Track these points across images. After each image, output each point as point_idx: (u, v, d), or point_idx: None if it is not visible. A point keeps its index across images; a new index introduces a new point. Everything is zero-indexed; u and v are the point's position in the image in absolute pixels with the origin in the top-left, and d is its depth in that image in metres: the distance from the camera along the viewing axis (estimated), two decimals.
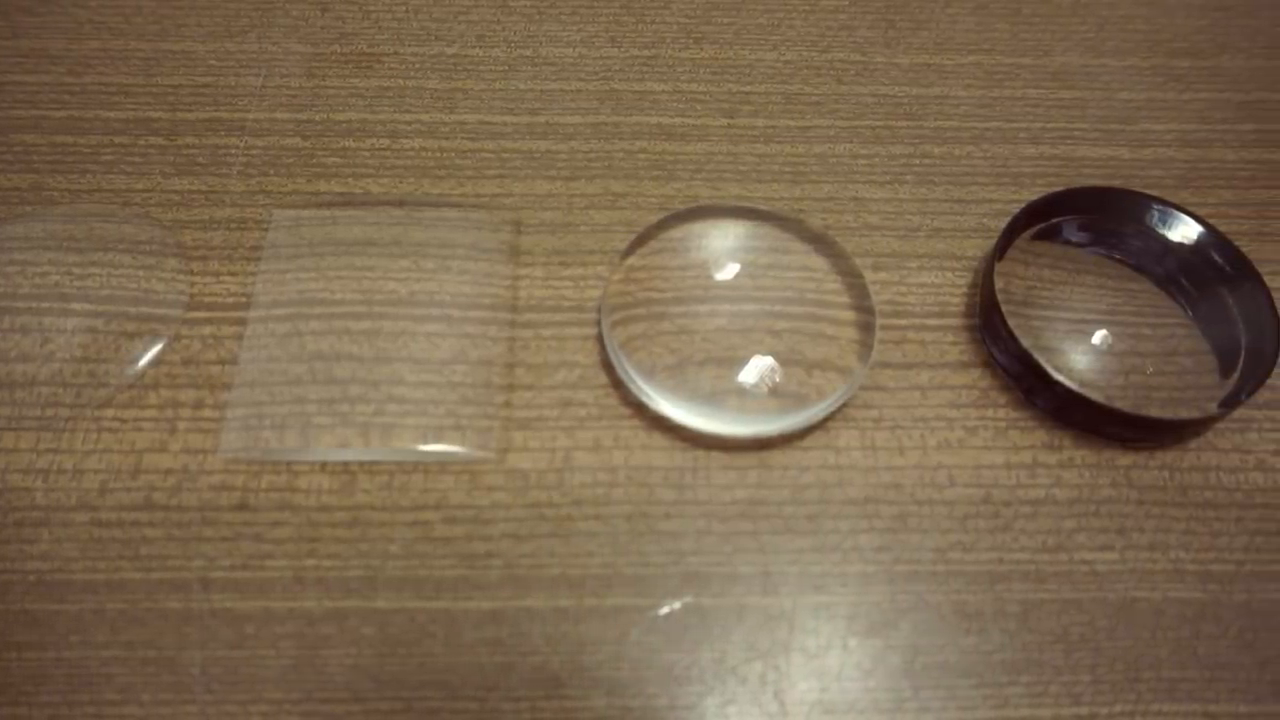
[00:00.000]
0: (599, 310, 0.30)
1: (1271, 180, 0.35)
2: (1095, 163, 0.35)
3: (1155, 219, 0.32)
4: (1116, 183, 0.34)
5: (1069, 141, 0.36)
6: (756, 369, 0.30)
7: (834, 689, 0.25)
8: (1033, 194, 0.32)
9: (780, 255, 0.32)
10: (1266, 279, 0.32)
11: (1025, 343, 0.29)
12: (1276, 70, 0.38)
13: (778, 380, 0.29)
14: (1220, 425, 0.30)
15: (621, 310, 0.30)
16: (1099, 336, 0.31)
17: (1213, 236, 0.31)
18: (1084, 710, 0.25)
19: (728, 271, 0.31)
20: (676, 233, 0.32)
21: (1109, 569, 0.27)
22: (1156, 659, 0.26)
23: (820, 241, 0.32)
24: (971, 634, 0.26)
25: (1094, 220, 0.33)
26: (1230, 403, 0.28)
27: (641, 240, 0.31)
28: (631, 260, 0.31)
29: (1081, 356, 0.30)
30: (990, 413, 0.30)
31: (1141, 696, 0.26)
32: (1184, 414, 0.29)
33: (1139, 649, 0.26)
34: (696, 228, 0.32)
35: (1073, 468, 0.29)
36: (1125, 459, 0.29)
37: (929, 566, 0.27)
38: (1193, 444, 0.29)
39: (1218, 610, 0.27)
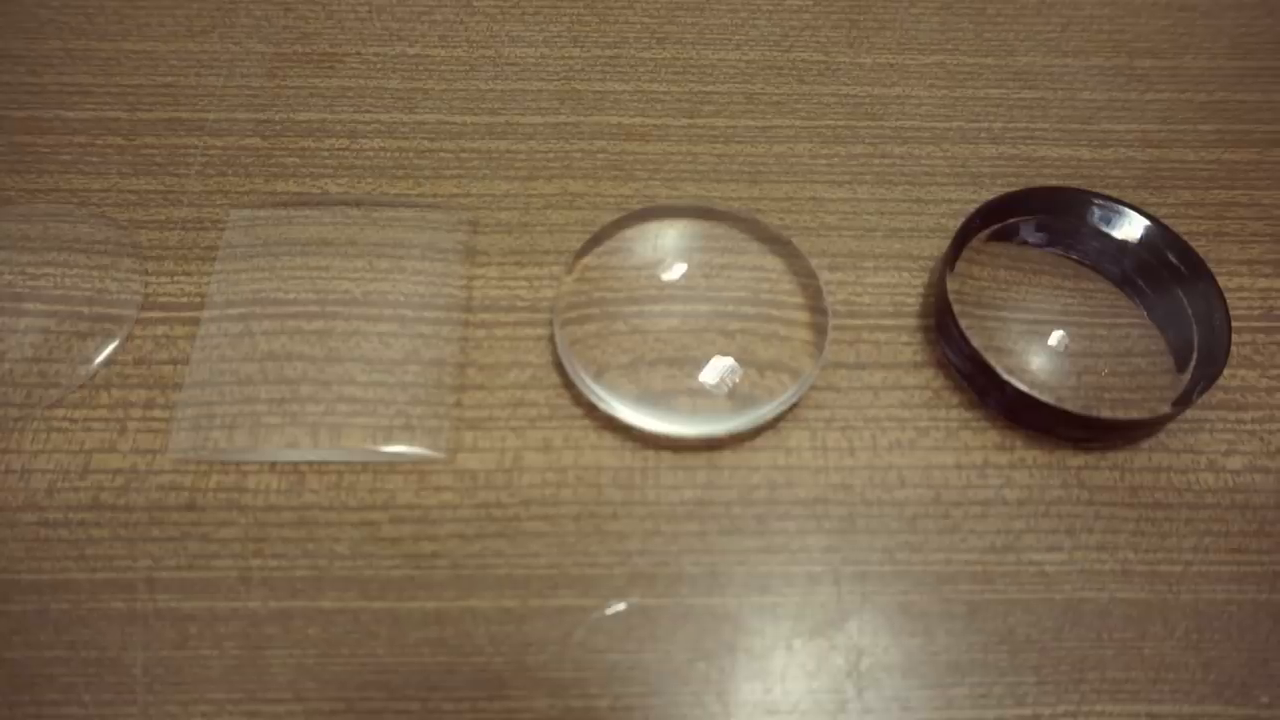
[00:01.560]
0: (552, 310, 0.30)
1: (1231, 181, 0.35)
2: (1056, 163, 0.35)
3: (1110, 219, 0.32)
4: (1076, 183, 0.34)
5: (1030, 141, 0.35)
6: (716, 369, 0.29)
7: (777, 690, 0.25)
8: (991, 194, 0.32)
9: (735, 255, 0.32)
10: (1223, 279, 0.32)
11: (977, 343, 0.29)
12: (1238, 70, 0.37)
13: (737, 381, 0.29)
14: (1173, 426, 0.30)
15: (573, 310, 0.30)
16: (1055, 337, 0.31)
17: (1167, 236, 0.31)
18: (1027, 711, 0.25)
19: (682, 271, 0.31)
20: (632, 233, 0.32)
21: (1057, 570, 0.27)
22: (1102, 659, 0.26)
23: (776, 241, 0.32)
24: (917, 635, 0.26)
25: (1051, 220, 0.32)
26: (1180, 403, 0.28)
27: (596, 240, 0.31)
28: (586, 260, 0.31)
29: (1036, 357, 0.30)
30: (943, 413, 0.30)
31: (1085, 697, 0.26)
32: (1134, 414, 0.29)
33: (1084, 650, 0.26)
34: (652, 228, 0.32)
35: (1023, 468, 0.29)
36: (1076, 459, 0.29)
37: (876, 567, 0.27)
38: (1145, 444, 0.29)
39: (1164, 611, 0.27)
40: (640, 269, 0.31)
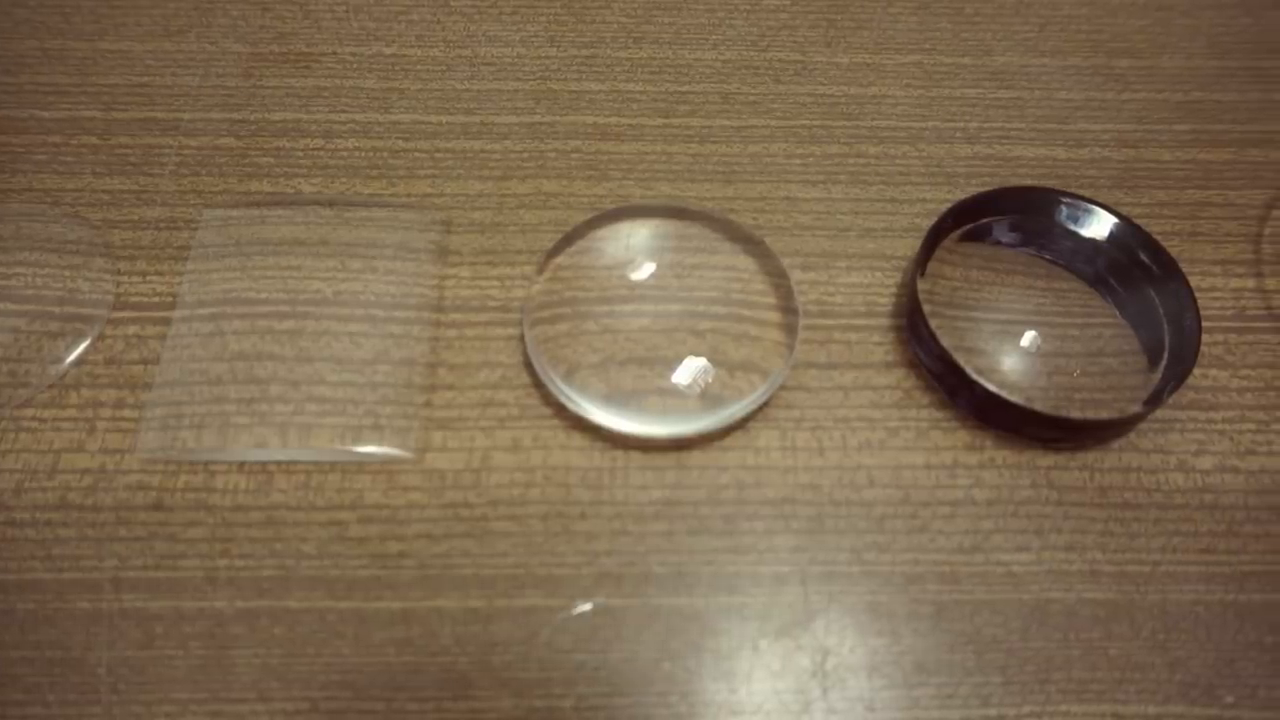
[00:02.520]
0: (522, 310, 0.30)
1: (1206, 180, 0.35)
2: (1031, 162, 0.35)
3: (1082, 219, 0.32)
4: (1051, 182, 0.34)
5: (1006, 141, 0.35)
6: (689, 370, 0.29)
7: (742, 690, 0.25)
8: (966, 194, 0.32)
9: (708, 255, 0.32)
10: (1196, 279, 0.32)
11: (946, 343, 0.29)
12: (1215, 70, 0.37)
13: (710, 381, 0.29)
14: (1143, 426, 0.30)
15: (544, 310, 0.30)
16: (1027, 337, 0.31)
17: (1139, 236, 0.31)
18: (992, 712, 0.25)
19: (654, 271, 0.31)
20: (604, 232, 0.32)
21: (1024, 570, 0.27)
22: (1068, 660, 0.26)
23: (748, 241, 0.32)
24: (883, 635, 0.26)
25: (1024, 220, 0.32)
26: (1150, 404, 0.28)
27: (568, 240, 0.31)
28: (558, 260, 0.31)
29: (1007, 357, 0.30)
30: (913, 413, 0.30)
31: (1050, 698, 0.26)
32: (1103, 415, 0.29)
33: (1051, 650, 0.26)
34: (624, 227, 0.32)
35: (993, 468, 0.29)
36: (1046, 460, 0.29)
37: (844, 567, 0.27)
38: (1115, 445, 0.29)
39: (1131, 611, 0.27)
40: (612, 269, 0.31)
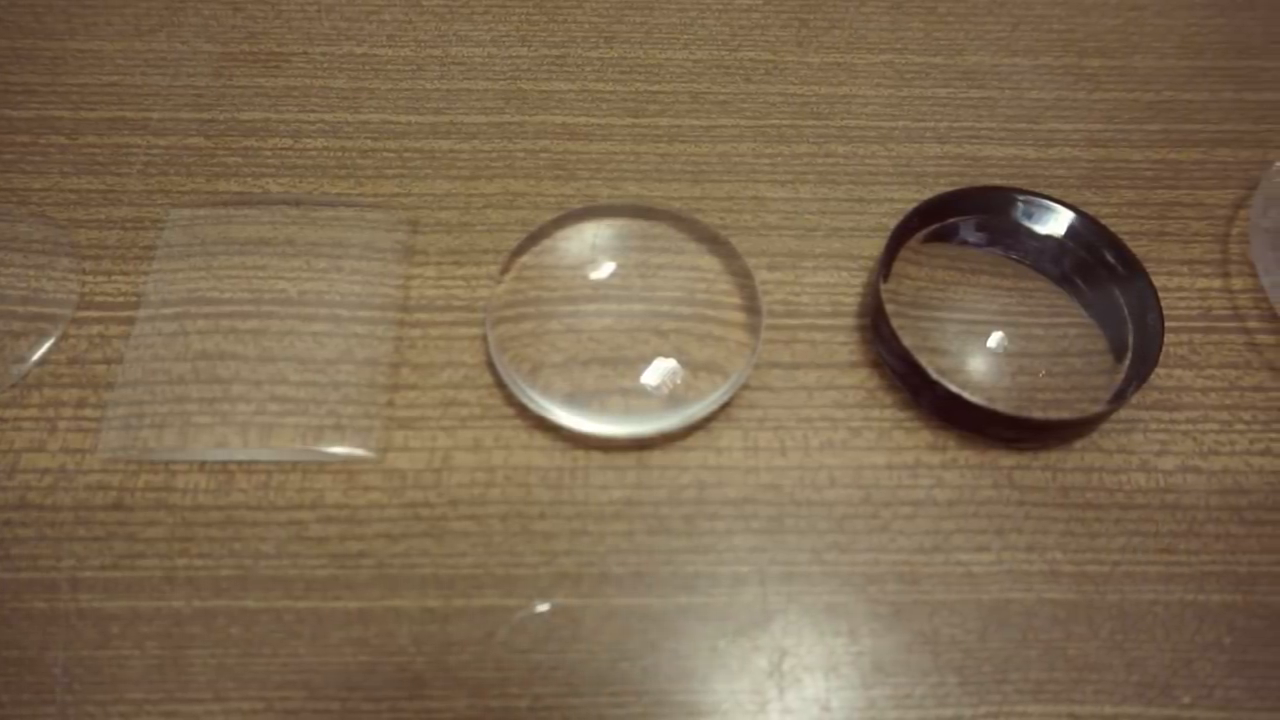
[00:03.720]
0: (485, 309, 0.30)
1: (1175, 180, 0.35)
2: (1000, 162, 0.35)
3: (1048, 219, 0.32)
4: (1020, 182, 0.34)
5: (975, 141, 0.35)
6: (658, 371, 0.29)
7: (699, 690, 0.25)
8: (935, 193, 0.32)
9: (673, 255, 0.32)
10: (1163, 279, 0.32)
11: (908, 343, 0.29)
12: (1187, 70, 0.37)
13: (679, 383, 0.29)
14: (1107, 426, 0.29)
15: (508, 309, 0.30)
16: (993, 337, 0.31)
17: (1104, 235, 0.31)
18: (949, 712, 0.25)
19: (618, 271, 0.31)
20: (570, 232, 0.32)
21: (984, 570, 0.27)
22: (1026, 660, 0.26)
23: (714, 241, 0.32)
24: (841, 635, 0.26)
25: (990, 220, 0.32)
26: (1111, 404, 0.28)
27: (534, 239, 0.31)
28: (523, 259, 0.31)
29: (972, 357, 0.30)
30: (876, 413, 0.30)
31: (1008, 698, 0.25)
32: (1063, 415, 0.29)
33: (1009, 650, 0.26)
34: (590, 227, 0.32)
35: (955, 468, 0.29)
36: (1009, 460, 0.29)
37: (804, 568, 0.27)
38: (1078, 445, 0.29)
39: (1090, 611, 0.27)
40: (576, 268, 0.31)
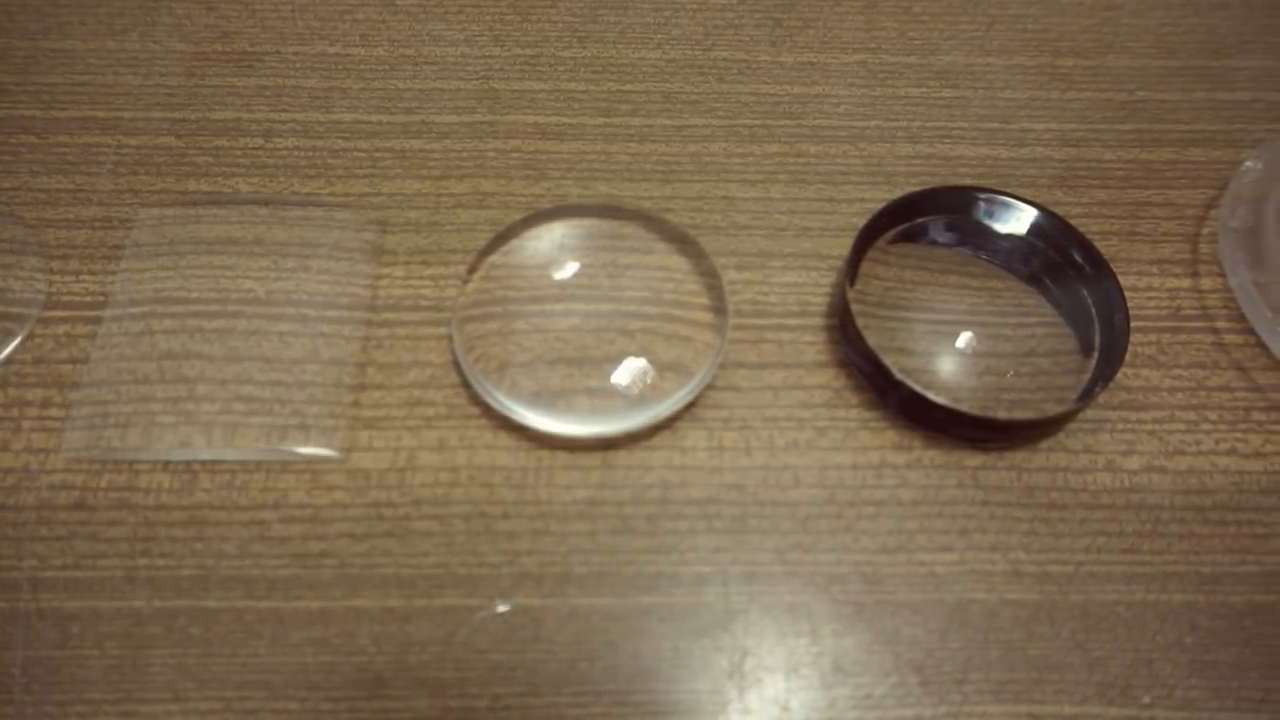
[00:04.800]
0: (451, 309, 0.30)
1: (1147, 180, 0.35)
2: (971, 162, 0.35)
3: (1016, 218, 0.32)
4: (991, 182, 0.34)
5: (947, 140, 0.35)
6: (629, 371, 0.29)
7: (659, 690, 0.25)
8: (906, 193, 0.32)
9: (641, 255, 0.32)
10: (1133, 278, 0.32)
11: (874, 343, 0.29)
12: (1161, 70, 0.37)
13: (649, 382, 0.29)
14: (1073, 426, 0.29)
15: (476, 308, 0.30)
16: (961, 337, 0.31)
17: (1072, 235, 0.31)
18: (909, 713, 0.25)
19: (586, 271, 0.31)
20: (538, 232, 0.32)
21: (947, 570, 0.27)
22: (987, 660, 0.26)
23: (682, 241, 0.32)
24: (803, 636, 0.26)
25: (960, 220, 0.32)
26: (1075, 404, 0.28)
27: (502, 239, 0.31)
28: (491, 259, 0.31)
29: (940, 357, 0.30)
30: (842, 413, 0.30)
31: (968, 698, 0.25)
32: (1027, 415, 0.29)
33: (970, 650, 0.26)
34: (558, 227, 0.32)
35: (920, 468, 0.29)
36: (974, 460, 0.29)
37: (766, 568, 0.27)
38: (1043, 445, 0.29)
39: (1052, 611, 0.27)
40: (544, 268, 0.31)
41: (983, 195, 0.32)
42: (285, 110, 0.35)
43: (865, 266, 0.31)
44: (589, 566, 0.27)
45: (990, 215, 0.32)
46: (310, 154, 0.34)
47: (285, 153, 0.34)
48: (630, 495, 0.28)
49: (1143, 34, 0.38)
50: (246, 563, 0.27)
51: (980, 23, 0.39)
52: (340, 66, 0.37)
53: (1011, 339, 0.31)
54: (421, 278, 0.32)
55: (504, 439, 0.29)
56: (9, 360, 0.30)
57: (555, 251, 0.31)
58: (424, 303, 0.31)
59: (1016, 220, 0.32)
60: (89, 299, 0.31)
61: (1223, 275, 0.32)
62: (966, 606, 0.27)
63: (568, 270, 0.31)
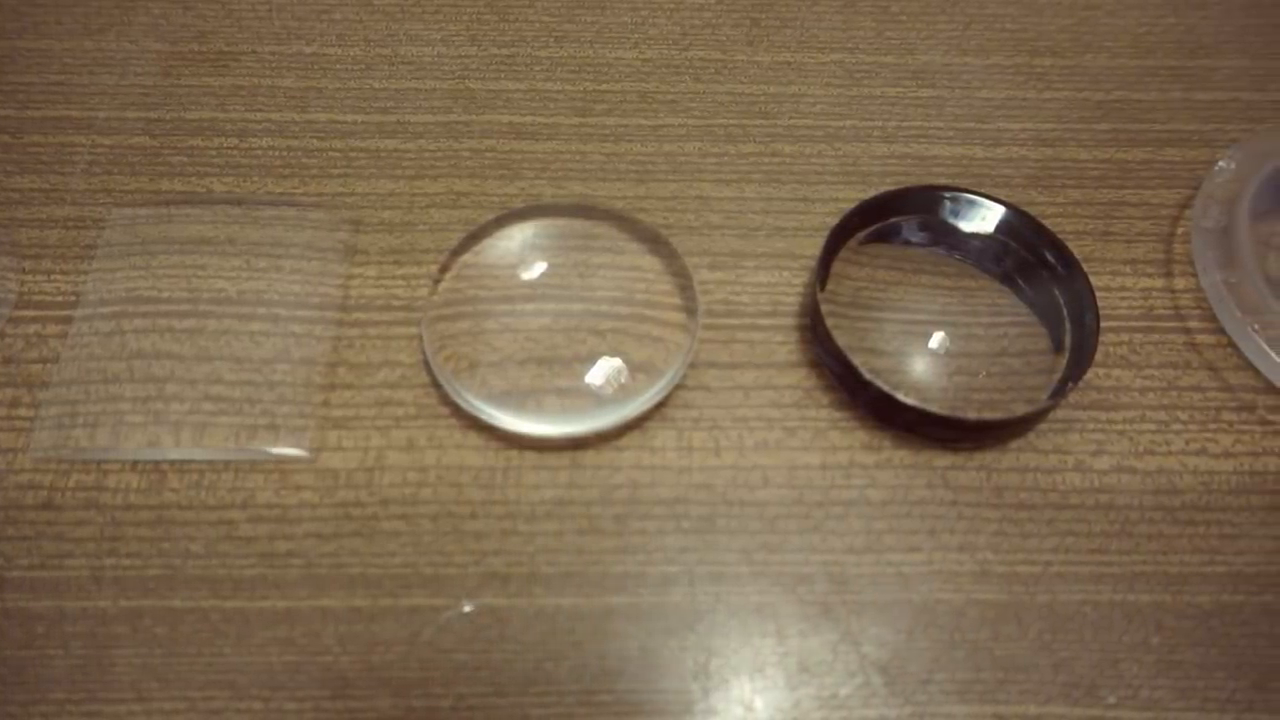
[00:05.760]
0: (422, 309, 0.30)
1: (1122, 180, 0.34)
2: (947, 161, 0.35)
3: (988, 218, 0.32)
4: (966, 181, 0.34)
5: (923, 140, 0.35)
6: (603, 370, 0.29)
7: (623, 690, 0.25)
8: (877, 193, 0.32)
9: (613, 255, 0.32)
10: (1106, 278, 0.32)
11: (843, 343, 0.29)
12: (1138, 69, 0.37)
13: (624, 382, 0.29)
14: (1044, 426, 0.29)
15: (447, 308, 0.30)
16: (934, 337, 0.31)
17: (1044, 235, 0.31)
18: (873, 713, 0.25)
19: (558, 270, 0.31)
20: (510, 231, 0.32)
21: (914, 570, 0.27)
22: (953, 660, 0.26)
23: (654, 241, 0.32)
24: (768, 636, 0.26)
25: (933, 220, 0.32)
26: (1043, 403, 0.28)
27: (474, 238, 0.31)
28: (463, 259, 0.31)
29: (911, 357, 0.30)
30: (812, 413, 0.30)
31: (933, 698, 0.25)
32: (996, 415, 0.29)
33: (936, 651, 0.26)
34: (531, 226, 0.32)
35: (890, 468, 0.29)
36: (944, 460, 0.29)
37: (733, 568, 0.27)
38: (1013, 445, 0.29)
39: (1019, 612, 0.27)
40: (515, 268, 0.31)
41: (950, 195, 0.32)
42: (261, 110, 0.35)
43: (837, 266, 0.31)
44: (556, 566, 0.27)
45: (961, 215, 0.32)
46: (285, 154, 0.34)
47: (260, 152, 0.34)
48: (598, 495, 0.28)
49: (1120, 34, 0.38)
50: (213, 562, 0.27)
51: (958, 22, 0.39)
52: (316, 66, 0.37)
53: (984, 339, 0.31)
54: (394, 277, 0.32)
55: (473, 439, 0.29)
56: None
57: (527, 251, 0.31)
58: (396, 302, 0.31)
59: (988, 220, 0.32)
60: (60, 299, 0.31)
61: (1196, 275, 0.32)
62: (933, 607, 0.27)
63: (539, 270, 0.31)
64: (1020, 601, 0.27)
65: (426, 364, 0.30)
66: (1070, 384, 0.28)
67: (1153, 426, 0.29)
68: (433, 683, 0.25)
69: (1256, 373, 0.30)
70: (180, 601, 0.26)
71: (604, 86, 0.36)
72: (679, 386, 0.29)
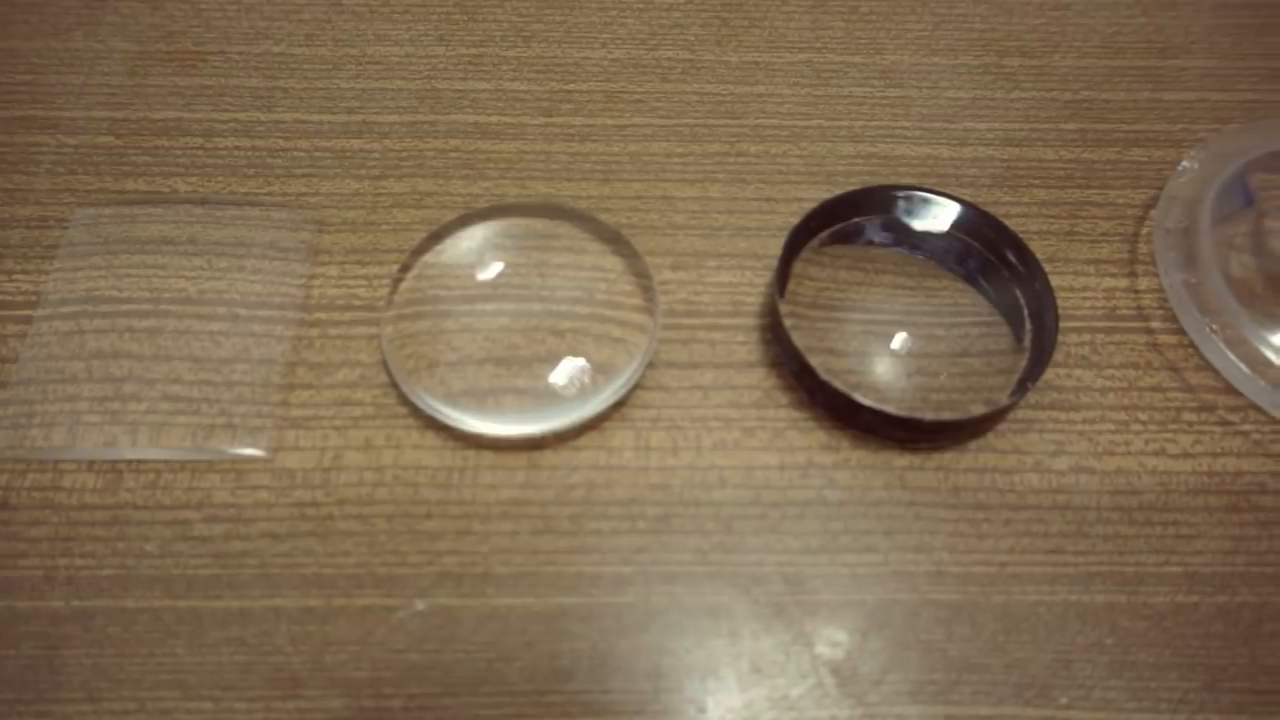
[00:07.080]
0: (381, 308, 0.30)
1: (1088, 180, 0.34)
2: (913, 161, 0.35)
3: (950, 217, 0.32)
4: (931, 181, 0.34)
5: (890, 140, 0.35)
6: (567, 370, 0.29)
7: (574, 691, 0.25)
8: (834, 193, 0.32)
9: (574, 255, 0.32)
10: (1069, 278, 0.32)
11: (800, 343, 0.28)
12: (1106, 69, 0.37)
13: (587, 381, 0.29)
14: (1003, 426, 0.29)
15: (407, 307, 0.30)
16: (895, 337, 0.31)
17: (1004, 234, 0.31)
18: (825, 714, 0.25)
19: (518, 270, 0.31)
20: (472, 231, 0.32)
21: (870, 571, 0.27)
22: (906, 661, 0.26)
23: (616, 241, 0.32)
24: (721, 637, 0.26)
25: (895, 220, 0.32)
26: (998, 405, 0.28)
27: (436, 238, 0.31)
28: (424, 258, 0.31)
29: (871, 357, 0.30)
30: (771, 413, 0.29)
31: (885, 699, 0.25)
32: (954, 415, 0.29)
33: (890, 651, 0.26)
34: (493, 226, 0.32)
35: (847, 469, 0.29)
36: (902, 460, 0.29)
37: (687, 568, 0.27)
38: (972, 445, 0.29)
39: (974, 612, 0.27)
40: (476, 267, 0.31)
41: (912, 195, 0.32)
42: (227, 110, 0.35)
43: (799, 267, 0.31)
44: (510, 567, 0.27)
45: (924, 215, 0.32)
46: (250, 153, 0.34)
47: (225, 152, 0.34)
48: (554, 495, 0.28)
49: (1090, 34, 0.38)
50: (168, 562, 0.27)
51: (927, 22, 0.39)
52: (284, 66, 0.37)
53: (945, 339, 0.31)
54: (356, 277, 0.32)
55: (430, 439, 0.29)
56: None
57: (488, 251, 0.31)
58: (357, 302, 0.31)
59: (949, 219, 0.32)
60: (21, 298, 0.31)
61: (1159, 276, 0.32)
62: (888, 607, 0.27)
63: (500, 269, 0.31)
64: (975, 602, 0.27)
65: (386, 364, 0.30)
66: (1029, 384, 0.28)
67: (1112, 427, 0.29)
68: (384, 683, 0.25)
69: (1217, 373, 0.30)
70: (133, 601, 0.26)
71: (571, 86, 0.36)
72: (638, 386, 0.29)
